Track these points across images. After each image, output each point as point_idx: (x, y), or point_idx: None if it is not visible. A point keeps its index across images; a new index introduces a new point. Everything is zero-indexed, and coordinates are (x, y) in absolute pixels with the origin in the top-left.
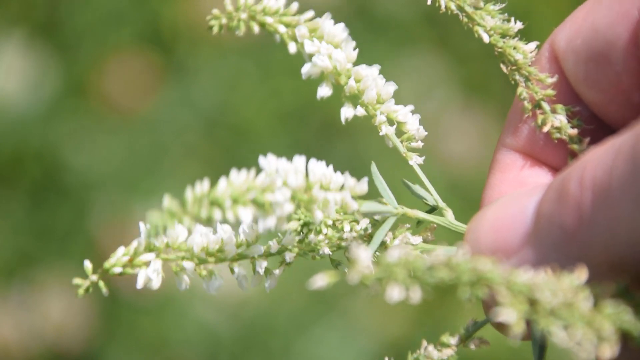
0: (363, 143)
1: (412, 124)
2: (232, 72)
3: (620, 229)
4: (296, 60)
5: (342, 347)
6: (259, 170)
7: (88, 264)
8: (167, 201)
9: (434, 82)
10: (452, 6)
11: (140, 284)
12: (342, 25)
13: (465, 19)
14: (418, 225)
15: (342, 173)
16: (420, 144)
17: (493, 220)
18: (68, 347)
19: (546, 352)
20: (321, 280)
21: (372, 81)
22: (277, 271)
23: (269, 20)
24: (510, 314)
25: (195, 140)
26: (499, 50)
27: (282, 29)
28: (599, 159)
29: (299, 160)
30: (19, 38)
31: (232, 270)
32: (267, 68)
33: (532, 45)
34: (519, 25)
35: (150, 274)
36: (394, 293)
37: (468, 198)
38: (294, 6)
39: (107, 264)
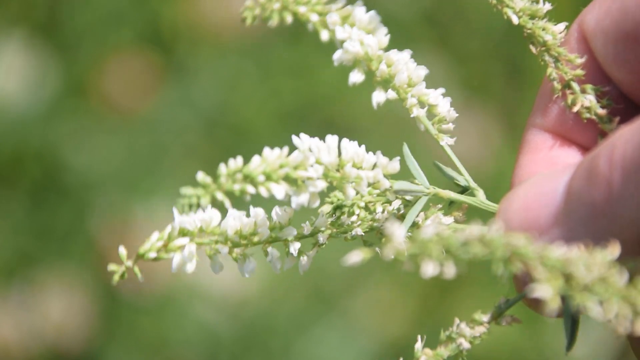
0: (363, 142)
1: (443, 106)
2: (232, 72)
3: None
4: (296, 61)
5: (342, 347)
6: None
7: (123, 251)
8: (201, 176)
9: (434, 82)
10: None
11: (175, 268)
12: (373, 12)
13: (494, 1)
14: (450, 206)
15: None
16: (451, 126)
17: (524, 199)
18: (68, 347)
19: (578, 328)
20: (356, 256)
21: (403, 65)
22: (311, 253)
23: (301, 9)
24: (545, 290)
25: (195, 140)
26: (528, 31)
27: (314, 17)
28: (628, 137)
29: (332, 138)
30: (19, 38)
31: (265, 253)
32: (267, 68)
33: (561, 26)
34: (548, 6)
35: (185, 258)
36: (429, 269)
37: None
38: None
39: (141, 250)
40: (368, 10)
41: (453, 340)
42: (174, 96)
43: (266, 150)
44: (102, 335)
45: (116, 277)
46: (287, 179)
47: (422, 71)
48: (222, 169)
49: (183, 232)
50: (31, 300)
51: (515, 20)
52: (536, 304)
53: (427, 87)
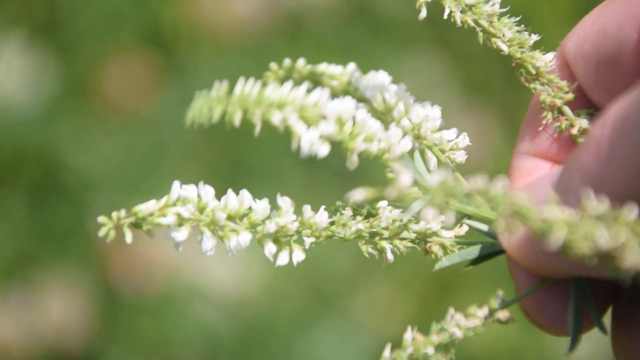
0: None
1: (461, 143)
2: (232, 72)
3: (633, 154)
4: (296, 60)
5: (342, 347)
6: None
7: (123, 213)
8: (217, 85)
9: (434, 82)
10: (469, 20)
11: (167, 235)
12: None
13: (481, 33)
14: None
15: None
16: (463, 154)
17: (526, 185)
18: (68, 347)
19: (581, 329)
20: (360, 193)
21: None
22: (296, 253)
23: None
24: (558, 236)
25: (195, 140)
26: (517, 61)
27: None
28: (621, 101)
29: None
30: (19, 38)
31: (260, 243)
32: (267, 68)
33: (550, 55)
34: (536, 37)
35: (174, 226)
36: (429, 214)
37: None
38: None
39: (136, 209)
40: (368, 10)
41: (446, 330)
42: (174, 96)
43: (285, 86)
44: (102, 335)
45: (103, 231)
46: (301, 112)
47: (438, 115)
48: (238, 87)
49: (182, 202)
50: (31, 300)
51: (505, 49)
52: (533, 314)
53: (428, 87)
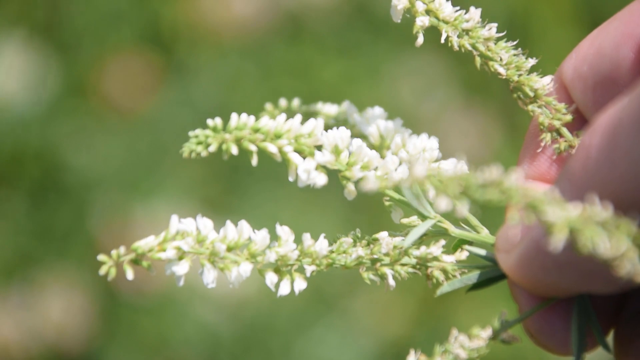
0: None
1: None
2: (232, 72)
3: (620, 161)
4: (296, 60)
5: (342, 347)
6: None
7: (122, 250)
8: (212, 122)
9: (434, 82)
10: (467, 44)
11: (167, 269)
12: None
13: (478, 57)
14: (453, 245)
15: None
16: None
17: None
18: (68, 347)
19: (585, 340)
20: (372, 183)
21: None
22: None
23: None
24: (556, 215)
25: None
26: (515, 84)
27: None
28: (610, 109)
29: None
30: (19, 38)
31: (262, 273)
32: (267, 68)
33: (548, 78)
34: (533, 61)
35: (174, 260)
36: (442, 204)
37: None
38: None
39: (136, 245)
40: (368, 10)
41: (450, 352)
42: (174, 96)
43: (280, 119)
44: (102, 335)
45: (104, 269)
46: (296, 143)
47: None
48: (234, 120)
49: (181, 235)
50: (31, 300)
51: (503, 72)
52: (537, 336)
53: (428, 87)
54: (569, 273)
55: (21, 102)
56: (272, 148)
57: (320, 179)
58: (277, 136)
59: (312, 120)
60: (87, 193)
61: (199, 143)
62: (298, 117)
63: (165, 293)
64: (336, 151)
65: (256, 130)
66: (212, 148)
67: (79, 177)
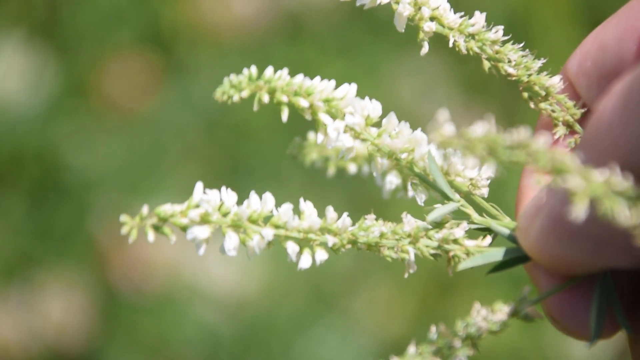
0: None
1: (483, 183)
2: (232, 72)
3: (632, 119)
4: (296, 61)
5: (342, 347)
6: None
7: (145, 209)
8: (246, 71)
9: (434, 82)
10: (474, 47)
11: (189, 236)
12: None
13: (486, 60)
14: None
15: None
16: (484, 191)
17: (535, 196)
18: (68, 347)
19: (604, 319)
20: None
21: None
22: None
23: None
24: (578, 184)
25: (195, 140)
26: (525, 84)
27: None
28: (625, 77)
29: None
30: (19, 38)
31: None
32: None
33: (557, 78)
34: (542, 61)
35: (196, 227)
36: (470, 162)
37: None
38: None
39: (159, 209)
40: (368, 10)
41: (472, 325)
42: (174, 96)
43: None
44: (102, 335)
45: (125, 229)
46: (326, 104)
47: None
48: (268, 71)
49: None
50: (31, 300)
51: (513, 72)
52: (560, 319)
53: (428, 87)
54: (584, 243)
55: (21, 102)
56: (303, 102)
57: (348, 141)
58: (309, 94)
59: (345, 85)
60: (87, 193)
61: (233, 87)
62: (332, 82)
63: (165, 293)
64: (367, 119)
65: (289, 85)
66: (245, 94)
67: (79, 177)
